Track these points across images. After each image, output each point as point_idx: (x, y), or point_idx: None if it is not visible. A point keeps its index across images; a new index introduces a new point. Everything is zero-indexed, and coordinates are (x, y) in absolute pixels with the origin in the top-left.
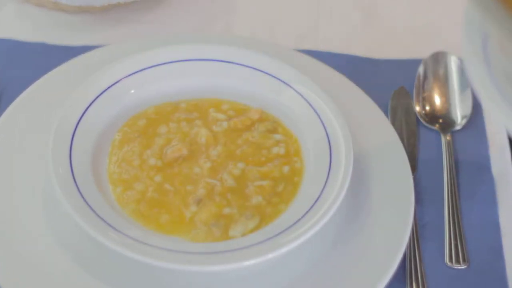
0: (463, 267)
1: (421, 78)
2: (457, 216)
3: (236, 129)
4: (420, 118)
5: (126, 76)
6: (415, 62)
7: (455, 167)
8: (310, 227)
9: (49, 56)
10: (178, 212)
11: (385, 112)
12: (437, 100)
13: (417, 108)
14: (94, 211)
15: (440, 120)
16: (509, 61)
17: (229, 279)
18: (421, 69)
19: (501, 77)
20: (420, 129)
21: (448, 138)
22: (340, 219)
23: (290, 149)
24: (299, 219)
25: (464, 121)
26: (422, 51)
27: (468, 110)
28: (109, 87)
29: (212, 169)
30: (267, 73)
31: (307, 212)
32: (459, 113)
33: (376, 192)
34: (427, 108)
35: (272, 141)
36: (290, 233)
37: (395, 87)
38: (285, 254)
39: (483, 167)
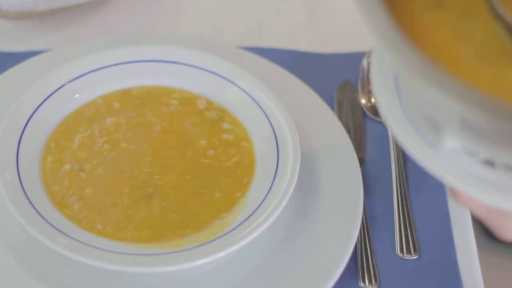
0: (414, 257)
1: (366, 70)
2: (407, 207)
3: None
4: (366, 110)
5: (70, 81)
6: (359, 55)
7: (403, 158)
8: (258, 224)
9: None
10: (123, 214)
11: (331, 106)
12: None
13: (363, 101)
14: (42, 217)
15: None
16: (419, 96)
17: (178, 279)
18: (365, 62)
19: (413, 111)
20: (366, 121)
21: None
22: (290, 215)
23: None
24: (248, 217)
25: None
26: (367, 44)
27: None
28: (53, 93)
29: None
30: (211, 72)
31: (255, 210)
32: None
33: (325, 186)
34: (373, 100)
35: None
36: (239, 231)
37: (340, 80)
38: (235, 252)
39: None
